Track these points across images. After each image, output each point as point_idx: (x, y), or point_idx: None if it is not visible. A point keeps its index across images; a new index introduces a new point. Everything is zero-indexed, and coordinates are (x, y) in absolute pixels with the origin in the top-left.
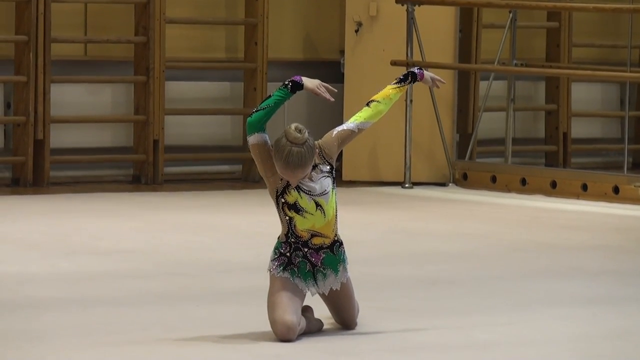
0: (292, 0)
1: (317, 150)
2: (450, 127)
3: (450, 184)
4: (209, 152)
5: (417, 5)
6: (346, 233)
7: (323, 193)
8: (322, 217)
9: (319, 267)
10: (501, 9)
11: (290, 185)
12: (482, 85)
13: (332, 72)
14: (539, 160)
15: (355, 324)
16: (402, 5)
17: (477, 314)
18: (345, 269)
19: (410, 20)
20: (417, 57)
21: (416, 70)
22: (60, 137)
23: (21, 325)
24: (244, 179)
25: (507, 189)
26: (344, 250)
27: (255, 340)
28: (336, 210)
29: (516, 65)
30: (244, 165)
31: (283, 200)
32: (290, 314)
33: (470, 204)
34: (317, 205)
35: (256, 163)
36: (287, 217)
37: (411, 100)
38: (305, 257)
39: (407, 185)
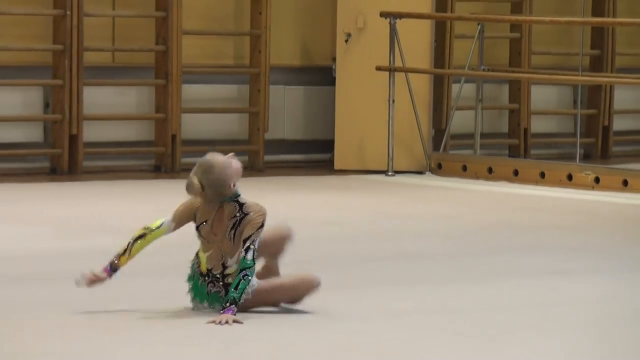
0: (290, 14)
1: None
2: (427, 123)
3: (427, 173)
4: (219, 144)
5: (398, 19)
6: (336, 214)
7: None
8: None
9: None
10: (470, 21)
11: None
12: (454, 87)
13: (325, 76)
14: (503, 152)
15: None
16: (386, 18)
17: (449, 284)
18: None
19: (393, 31)
20: (398, 63)
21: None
22: (91, 132)
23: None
24: (250, 168)
25: (476, 176)
26: None
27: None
28: None
29: (483, 70)
30: (249, 156)
31: None
32: None
33: (444, 189)
34: None
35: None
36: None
37: (393, 100)
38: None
39: (389, 173)
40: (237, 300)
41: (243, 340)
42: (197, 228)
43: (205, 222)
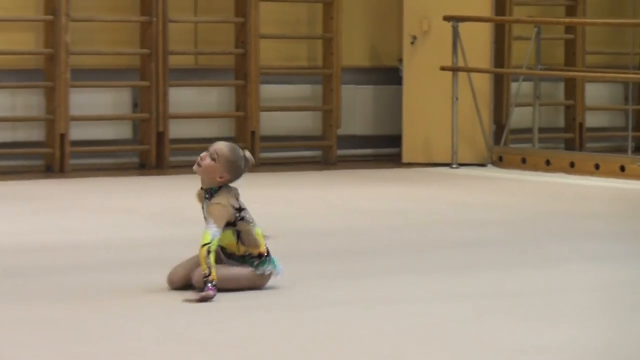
0: (360, 19)
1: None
2: (488, 118)
3: (488, 165)
4: (294, 140)
5: (460, 22)
6: (404, 205)
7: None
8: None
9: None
10: (528, 24)
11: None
12: (513, 85)
13: (392, 76)
14: (559, 145)
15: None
16: (449, 22)
17: (507, 268)
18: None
19: (455, 34)
20: (460, 63)
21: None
22: (176, 130)
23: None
24: (324, 162)
25: (535, 168)
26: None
27: None
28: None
29: (540, 69)
30: (323, 151)
31: (240, 217)
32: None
33: (504, 180)
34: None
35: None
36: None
37: (457, 98)
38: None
39: (454, 165)
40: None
41: (310, 324)
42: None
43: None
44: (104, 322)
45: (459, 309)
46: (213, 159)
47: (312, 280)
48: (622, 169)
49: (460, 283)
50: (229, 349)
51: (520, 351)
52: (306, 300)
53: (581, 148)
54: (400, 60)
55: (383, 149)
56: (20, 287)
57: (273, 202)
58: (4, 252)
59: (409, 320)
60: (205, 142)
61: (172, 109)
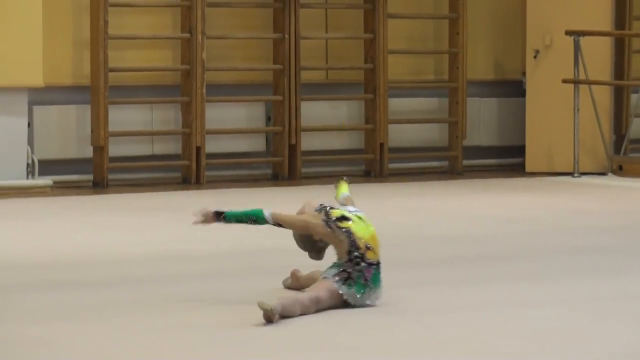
0: (484, 34)
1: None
2: (608, 129)
3: (609, 174)
4: (421, 152)
5: (581, 36)
6: (528, 212)
7: (358, 211)
8: (365, 225)
9: (368, 282)
10: None
11: (329, 208)
12: (633, 97)
13: (516, 89)
14: None
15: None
16: (570, 36)
17: (632, 274)
18: (379, 292)
19: (577, 47)
20: (582, 76)
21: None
22: (308, 142)
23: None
24: (450, 172)
25: None
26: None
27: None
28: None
29: None
30: (449, 161)
31: (333, 219)
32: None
33: (625, 189)
34: (358, 217)
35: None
36: (345, 229)
37: (578, 109)
38: (361, 272)
39: (575, 174)
40: (224, 214)
41: (438, 328)
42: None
43: None
44: (241, 326)
45: (579, 311)
46: None
47: (437, 286)
48: None
49: (581, 287)
50: (372, 355)
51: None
52: (433, 305)
53: None
54: (524, 73)
55: (507, 159)
56: (159, 294)
57: (401, 211)
58: (145, 260)
59: (534, 323)
60: (336, 153)
61: (304, 122)
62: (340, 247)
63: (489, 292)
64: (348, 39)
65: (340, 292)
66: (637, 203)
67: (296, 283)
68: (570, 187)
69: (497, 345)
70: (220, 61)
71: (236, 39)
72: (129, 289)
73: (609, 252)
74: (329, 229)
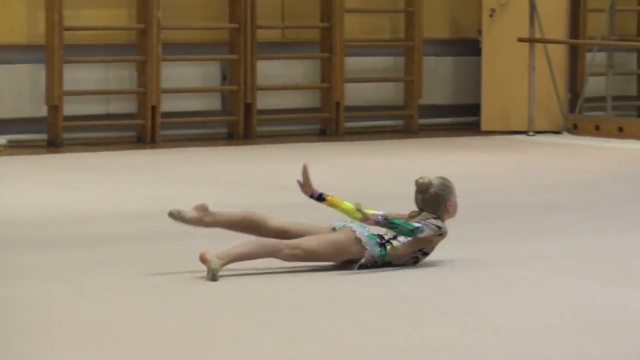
0: None
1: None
2: (563, 88)
3: (564, 132)
4: (377, 110)
5: None
6: (481, 170)
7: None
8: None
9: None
10: None
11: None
12: (588, 55)
13: (472, 48)
14: (632, 113)
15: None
16: None
17: (583, 233)
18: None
19: (532, 6)
20: (537, 34)
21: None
22: (264, 101)
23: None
24: (405, 130)
25: (608, 135)
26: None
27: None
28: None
29: (614, 39)
30: (405, 120)
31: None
32: None
33: (579, 147)
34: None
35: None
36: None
37: (533, 68)
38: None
39: (530, 133)
40: (386, 219)
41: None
42: None
43: None
44: (199, 287)
45: (538, 269)
46: None
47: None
48: None
49: (526, 247)
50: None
51: (585, 308)
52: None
53: None
54: (480, 32)
55: (463, 118)
56: (111, 254)
57: (357, 170)
58: (102, 219)
59: (495, 281)
60: (292, 112)
61: (260, 81)
62: (430, 245)
63: (447, 251)
64: None
65: (357, 235)
66: (590, 160)
67: (210, 219)
68: (525, 145)
69: (448, 303)
70: (175, 20)
71: None
72: (87, 248)
73: (557, 209)
74: (439, 235)
